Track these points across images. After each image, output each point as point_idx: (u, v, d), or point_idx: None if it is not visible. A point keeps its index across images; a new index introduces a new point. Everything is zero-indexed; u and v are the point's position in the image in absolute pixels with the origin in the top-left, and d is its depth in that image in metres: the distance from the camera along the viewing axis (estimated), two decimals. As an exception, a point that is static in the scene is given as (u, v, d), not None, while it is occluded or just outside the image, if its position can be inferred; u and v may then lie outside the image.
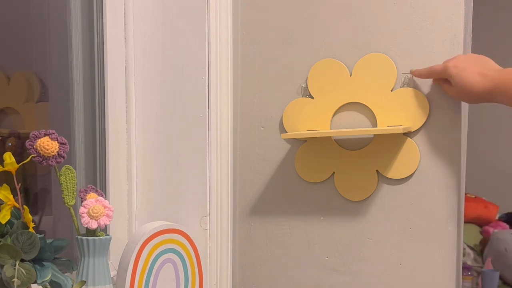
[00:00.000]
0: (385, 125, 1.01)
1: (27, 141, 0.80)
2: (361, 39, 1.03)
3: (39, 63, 1.14)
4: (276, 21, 1.11)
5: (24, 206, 0.79)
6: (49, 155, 0.80)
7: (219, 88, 1.08)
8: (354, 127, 1.04)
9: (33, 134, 0.80)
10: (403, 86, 1.01)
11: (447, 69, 0.92)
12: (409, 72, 1.00)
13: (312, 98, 1.07)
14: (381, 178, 1.03)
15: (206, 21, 1.05)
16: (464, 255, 2.27)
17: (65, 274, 0.82)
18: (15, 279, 0.72)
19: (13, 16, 1.10)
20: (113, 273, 0.90)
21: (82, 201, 0.83)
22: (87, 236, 0.82)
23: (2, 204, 0.78)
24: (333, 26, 1.06)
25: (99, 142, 1.09)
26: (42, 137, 0.80)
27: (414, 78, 0.99)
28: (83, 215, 0.81)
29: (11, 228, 0.79)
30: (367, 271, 1.06)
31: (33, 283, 0.75)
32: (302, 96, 1.09)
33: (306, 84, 1.08)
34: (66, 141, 0.82)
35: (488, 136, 2.66)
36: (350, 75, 1.04)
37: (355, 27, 1.04)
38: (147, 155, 1.11)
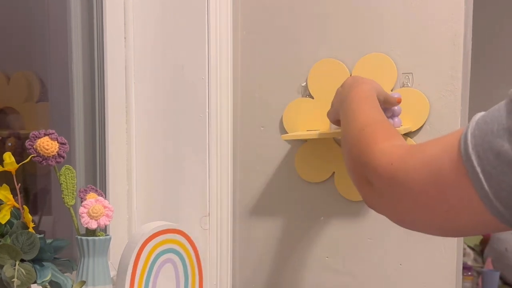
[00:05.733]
0: (385, 125, 1.01)
1: (27, 141, 0.80)
2: (361, 39, 1.03)
3: (39, 63, 1.14)
4: (276, 21, 1.11)
5: (24, 206, 0.79)
6: (49, 155, 0.80)
7: (219, 88, 1.08)
8: (354, 127, 1.04)
9: (33, 134, 0.80)
10: (403, 86, 1.00)
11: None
12: (409, 72, 1.00)
13: (312, 98, 1.07)
14: (381, 178, 1.03)
15: (206, 21, 1.05)
16: (464, 255, 2.26)
17: (65, 274, 0.82)
18: (15, 279, 0.72)
19: (13, 16, 1.10)
20: (113, 273, 0.90)
21: (82, 201, 0.83)
22: (87, 236, 0.82)
23: (2, 204, 0.78)
24: (333, 26, 1.06)
25: (99, 142, 1.09)
26: (42, 137, 0.80)
27: (414, 78, 0.99)
28: (83, 215, 0.81)
29: (11, 228, 0.78)
30: (367, 271, 1.06)
31: (33, 283, 0.75)
32: (302, 96, 1.09)
33: (306, 84, 1.08)
34: (66, 141, 0.82)
35: (488, 136, 2.65)
36: (350, 75, 1.04)
37: (355, 27, 1.04)
38: (147, 155, 1.11)
